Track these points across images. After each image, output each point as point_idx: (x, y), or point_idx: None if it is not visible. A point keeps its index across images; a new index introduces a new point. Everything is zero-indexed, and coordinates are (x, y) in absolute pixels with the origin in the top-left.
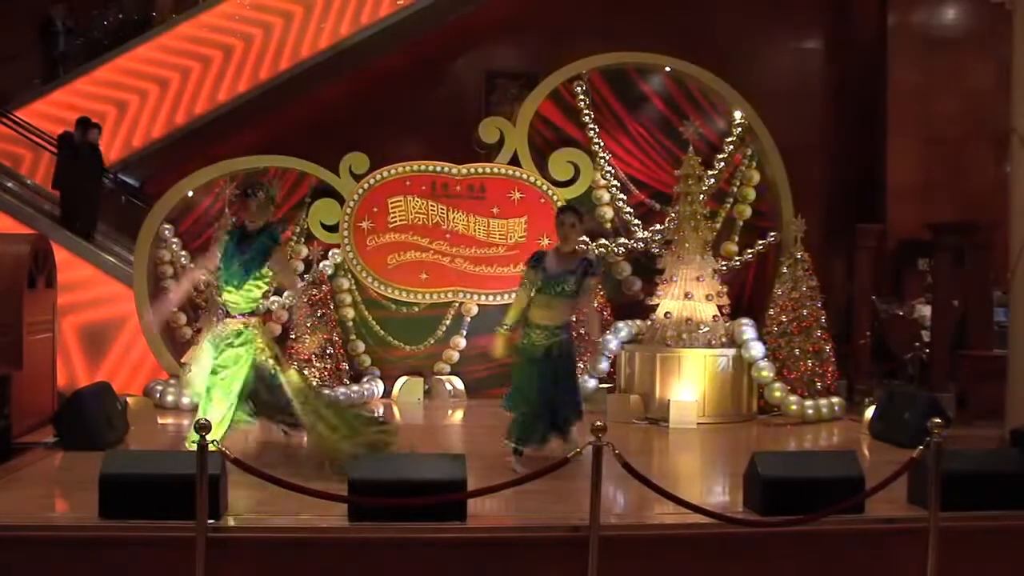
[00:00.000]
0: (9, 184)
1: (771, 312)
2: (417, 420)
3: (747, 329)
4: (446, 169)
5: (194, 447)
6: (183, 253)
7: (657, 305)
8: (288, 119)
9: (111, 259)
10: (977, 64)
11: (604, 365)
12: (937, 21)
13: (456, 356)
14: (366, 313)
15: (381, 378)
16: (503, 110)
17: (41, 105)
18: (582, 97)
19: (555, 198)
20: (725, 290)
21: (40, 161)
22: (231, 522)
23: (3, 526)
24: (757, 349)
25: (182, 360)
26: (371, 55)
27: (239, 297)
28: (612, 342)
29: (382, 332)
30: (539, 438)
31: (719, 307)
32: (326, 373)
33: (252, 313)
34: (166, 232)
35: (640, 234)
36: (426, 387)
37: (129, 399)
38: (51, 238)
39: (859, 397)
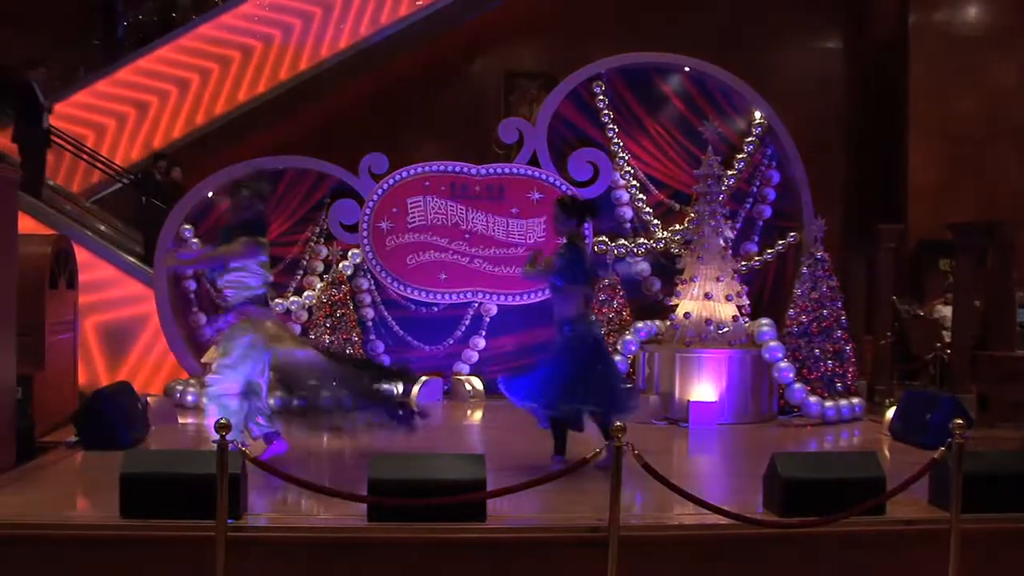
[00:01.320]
0: None
1: (791, 312)
2: (436, 420)
3: (767, 329)
4: (465, 169)
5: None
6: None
7: (677, 305)
8: (307, 119)
9: (132, 259)
10: (999, 63)
11: (622, 366)
12: (958, 20)
13: (475, 356)
14: (385, 313)
15: None
16: (522, 110)
17: (62, 106)
18: (601, 97)
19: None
20: (745, 290)
21: (61, 162)
22: (251, 522)
23: (25, 525)
24: (777, 350)
25: (203, 360)
26: (390, 56)
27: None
28: (632, 342)
29: (401, 332)
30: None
31: (739, 307)
32: None
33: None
34: (186, 233)
35: (660, 234)
36: (445, 387)
37: (149, 398)
38: (72, 238)
39: (879, 398)
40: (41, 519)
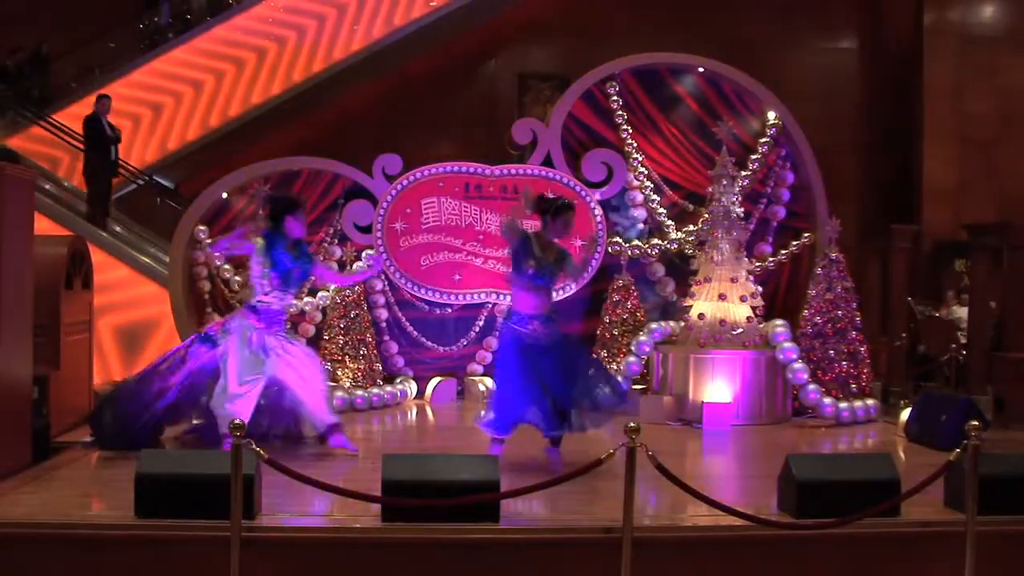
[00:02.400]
0: (47, 186)
1: (805, 313)
2: (450, 421)
3: (781, 331)
4: (479, 170)
5: None
6: (217, 254)
7: (691, 306)
8: (321, 120)
9: (146, 260)
10: (1014, 62)
11: (636, 366)
12: (973, 19)
13: (489, 357)
14: (399, 314)
15: (414, 379)
16: (536, 111)
17: (78, 108)
18: (615, 98)
19: (588, 199)
20: (759, 291)
21: (77, 163)
22: (265, 522)
23: (40, 524)
24: (791, 351)
25: None
26: (404, 57)
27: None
28: (645, 343)
29: (415, 333)
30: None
31: (753, 308)
32: (359, 374)
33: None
34: (200, 234)
35: (674, 235)
36: (459, 388)
37: None
38: (87, 239)
39: (894, 399)
40: (56, 519)
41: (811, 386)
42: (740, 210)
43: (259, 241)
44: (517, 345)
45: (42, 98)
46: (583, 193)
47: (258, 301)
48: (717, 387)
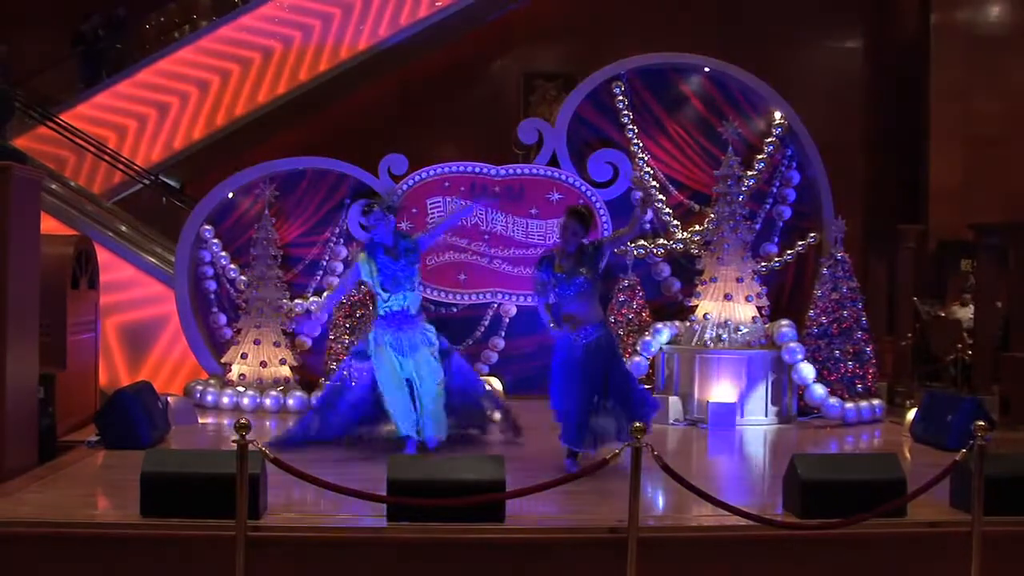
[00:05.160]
0: (53, 186)
1: (811, 313)
2: None
3: (787, 331)
4: (485, 170)
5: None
6: (223, 254)
7: (696, 306)
8: (327, 120)
9: (152, 260)
10: (1021, 62)
11: (642, 366)
12: (980, 19)
13: (495, 357)
14: None
15: None
16: (541, 111)
17: (84, 108)
18: (621, 98)
19: (594, 199)
20: (765, 291)
21: (83, 163)
22: (270, 522)
23: (46, 523)
24: (797, 351)
25: (223, 360)
26: (410, 56)
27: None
28: (651, 343)
29: None
30: (591, 440)
31: (759, 308)
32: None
33: None
34: (206, 233)
35: (679, 235)
36: None
37: (170, 398)
38: (93, 239)
39: (900, 399)
40: (62, 518)
41: (816, 386)
42: (746, 210)
43: (361, 255)
44: (563, 352)
45: (117, 60)
46: (588, 193)
47: (382, 307)
48: (722, 387)
